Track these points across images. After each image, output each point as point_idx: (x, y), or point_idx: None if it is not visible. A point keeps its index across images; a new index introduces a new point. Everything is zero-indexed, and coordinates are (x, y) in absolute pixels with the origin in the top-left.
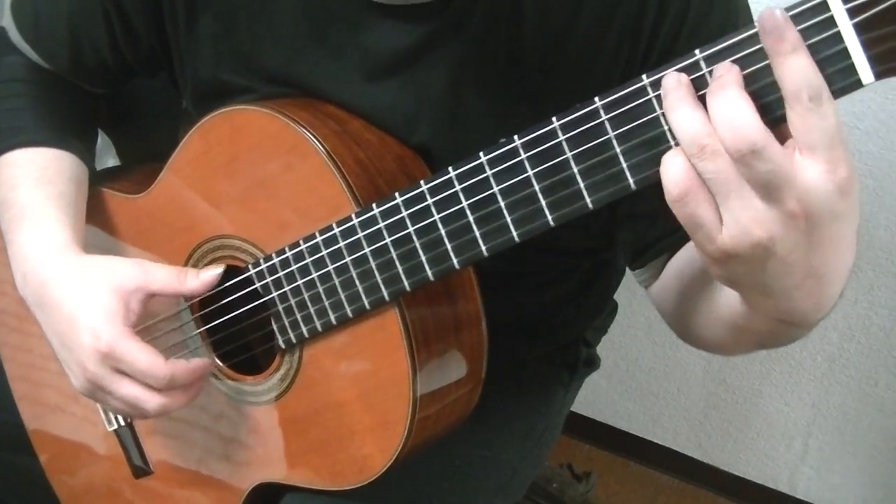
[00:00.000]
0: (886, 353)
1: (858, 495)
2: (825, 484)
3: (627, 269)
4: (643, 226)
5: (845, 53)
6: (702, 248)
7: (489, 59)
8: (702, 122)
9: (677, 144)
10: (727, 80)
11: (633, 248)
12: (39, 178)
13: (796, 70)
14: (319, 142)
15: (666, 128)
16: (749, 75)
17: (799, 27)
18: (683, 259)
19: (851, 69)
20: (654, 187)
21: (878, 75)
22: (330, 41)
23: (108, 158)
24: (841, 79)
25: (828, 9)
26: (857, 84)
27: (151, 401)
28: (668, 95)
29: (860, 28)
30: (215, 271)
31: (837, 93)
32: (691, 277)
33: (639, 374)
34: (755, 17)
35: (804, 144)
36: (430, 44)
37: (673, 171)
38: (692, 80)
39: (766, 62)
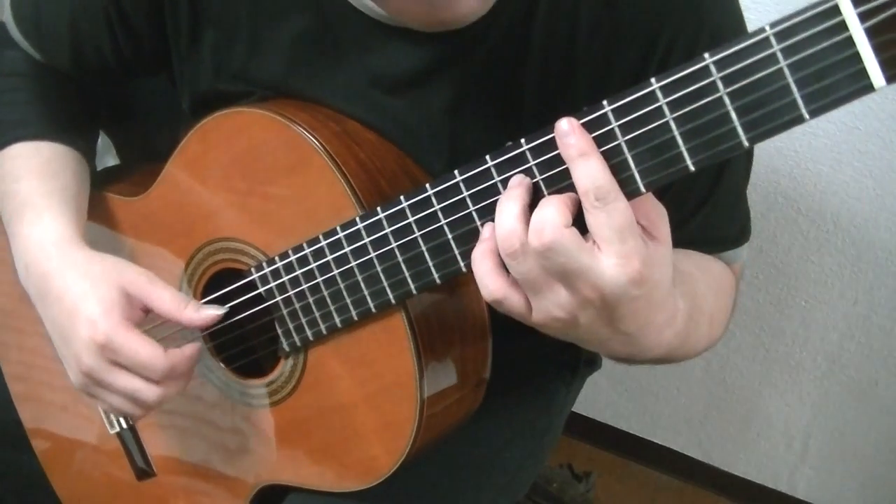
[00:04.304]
0: (886, 353)
1: (858, 495)
2: (825, 484)
3: None
4: None
5: (857, 58)
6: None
7: (491, 91)
8: (519, 227)
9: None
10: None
11: None
12: (43, 171)
13: (583, 173)
14: (321, 144)
15: (676, 133)
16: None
17: (809, 32)
18: None
19: (863, 74)
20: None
21: (890, 79)
22: (331, 62)
23: (108, 158)
24: (852, 84)
25: (839, 13)
26: (869, 88)
27: (149, 392)
28: (507, 191)
29: (871, 32)
30: (217, 311)
31: (848, 97)
32: None
33: (639, 374)
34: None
35: (597, 238)
36: (435, 69)
37: (488, 280)
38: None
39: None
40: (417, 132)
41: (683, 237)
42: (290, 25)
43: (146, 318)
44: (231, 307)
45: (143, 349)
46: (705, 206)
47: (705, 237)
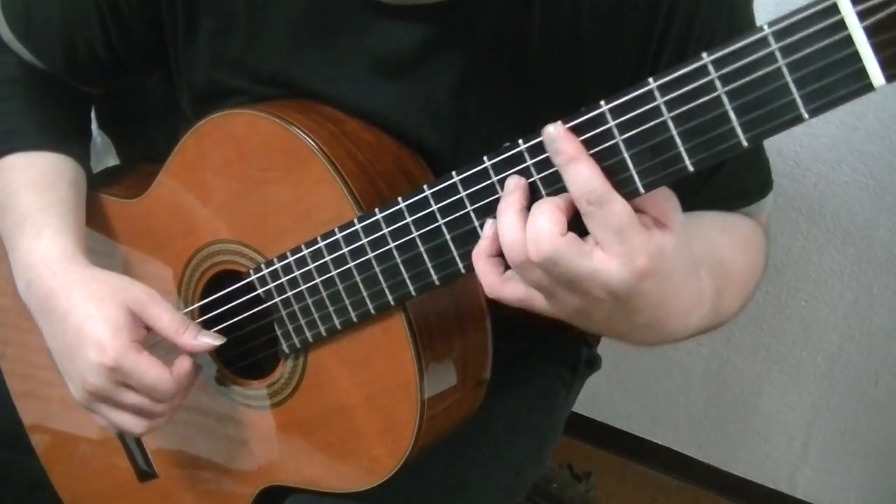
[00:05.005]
0: (886, 353)
1: (858, 495)
2: (825, 484)
3: None
4: None
5: (856, 57)
6: None
7: (496, 66)
8: (522, 237)
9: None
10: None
11: None
12: (39, 184)
13: (573, 179)
14: (319, 146)
15: (674, 132)
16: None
17: (808, 30)
18: None
19: (862, 73)
20: None
21: (889, 78)
22: (330, 45)
23: (108, 158)
24: (851, 83)
25: (837, 12)
26: (868, 88)
27: (154, 411)
28: (504, 198)
29: (870, 31)
30: (215, 340)
31: (848, 97)
32: None
33: (639, 374)
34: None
35: (597, 240)
36: (435, 47)
37: (484, 279)
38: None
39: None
40: (422, 113)
41: (706, 197)
42: (287, 10)
43: (149, 335)
44: (230, 309)
45: (151, 371)
46: (724, 164)
47: (727, 194)
